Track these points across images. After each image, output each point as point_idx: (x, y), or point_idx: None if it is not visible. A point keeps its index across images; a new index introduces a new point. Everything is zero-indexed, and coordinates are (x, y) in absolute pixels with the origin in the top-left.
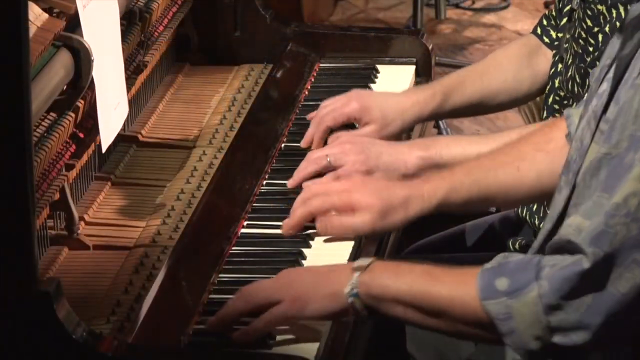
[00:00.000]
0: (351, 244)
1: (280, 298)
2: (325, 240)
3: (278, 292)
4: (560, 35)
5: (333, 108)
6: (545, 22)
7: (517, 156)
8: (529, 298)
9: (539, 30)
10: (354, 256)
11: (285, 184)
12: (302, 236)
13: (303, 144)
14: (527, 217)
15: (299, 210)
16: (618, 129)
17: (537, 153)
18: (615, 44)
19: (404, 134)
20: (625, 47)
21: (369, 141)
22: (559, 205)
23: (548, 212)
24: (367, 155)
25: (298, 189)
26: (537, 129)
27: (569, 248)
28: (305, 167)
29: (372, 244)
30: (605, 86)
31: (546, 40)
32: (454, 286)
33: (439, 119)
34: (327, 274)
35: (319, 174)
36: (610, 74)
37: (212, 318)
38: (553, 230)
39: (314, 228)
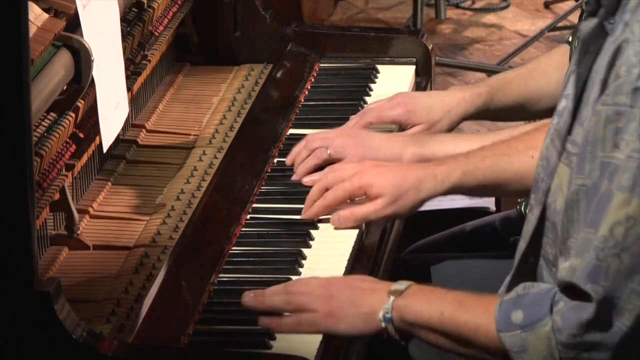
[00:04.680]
0: (351, 243)
1: (317, 309)
2: (325, 241)
3: (317, 302)
4: None
5: (380, 107)
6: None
7: (532, 144)
8: (542, 332)
9: (570, 38)
10: (354, 255)
11: (285, 183)
12: (302, 236)
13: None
14: None
15: (317, 205)
16: (588, 158)
17: None
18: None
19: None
20: (581, 63)
21: (368, 135)
22: (531, 224)
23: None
24: (366, 149)
25: (298, 187)
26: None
27: (569, 290)
28: (306, 158)
29: (372, 244)
30: (565, 103)
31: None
32: (479, 316)
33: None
34: (365, 294)
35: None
36: (568, 90)
37: (248, 297)
38: (528, 249)
39: (313, 228)
